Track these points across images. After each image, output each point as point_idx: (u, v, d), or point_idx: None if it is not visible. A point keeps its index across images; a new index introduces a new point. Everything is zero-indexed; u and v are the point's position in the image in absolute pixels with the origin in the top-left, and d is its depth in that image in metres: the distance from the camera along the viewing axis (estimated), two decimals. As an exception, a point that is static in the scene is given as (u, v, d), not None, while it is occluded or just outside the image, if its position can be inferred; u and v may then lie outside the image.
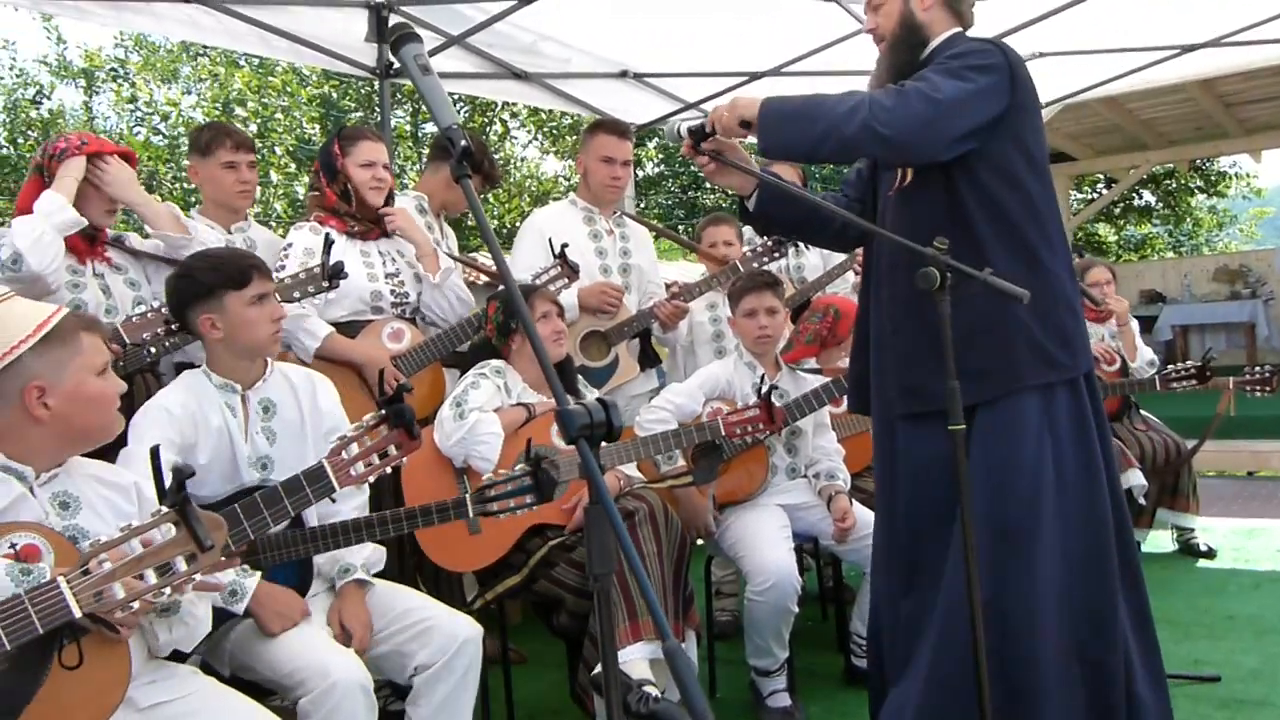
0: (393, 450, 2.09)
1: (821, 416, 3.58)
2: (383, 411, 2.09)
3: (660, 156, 18.34)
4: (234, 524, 2.06)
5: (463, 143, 1.80)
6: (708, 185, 18.43)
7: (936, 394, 2.21)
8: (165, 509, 1.65)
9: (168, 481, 1.67)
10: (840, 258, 4.37)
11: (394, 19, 4.50)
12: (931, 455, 2.40)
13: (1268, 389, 4.63)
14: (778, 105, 2.35)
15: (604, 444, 3.30)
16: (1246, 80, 10.56)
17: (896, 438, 2.55)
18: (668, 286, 4.06)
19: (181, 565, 1.66)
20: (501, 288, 3.71)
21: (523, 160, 18.53)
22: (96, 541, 1.69)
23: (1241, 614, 4.04)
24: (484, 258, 5.24)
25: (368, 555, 2.61)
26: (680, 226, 16.63)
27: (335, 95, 16.28)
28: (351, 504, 2.67)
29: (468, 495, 2.47)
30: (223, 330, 2.51)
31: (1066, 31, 5.25)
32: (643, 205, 18.72)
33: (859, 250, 4.24)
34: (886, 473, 2.60)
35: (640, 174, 18.61)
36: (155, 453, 1.74)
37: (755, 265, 3.92)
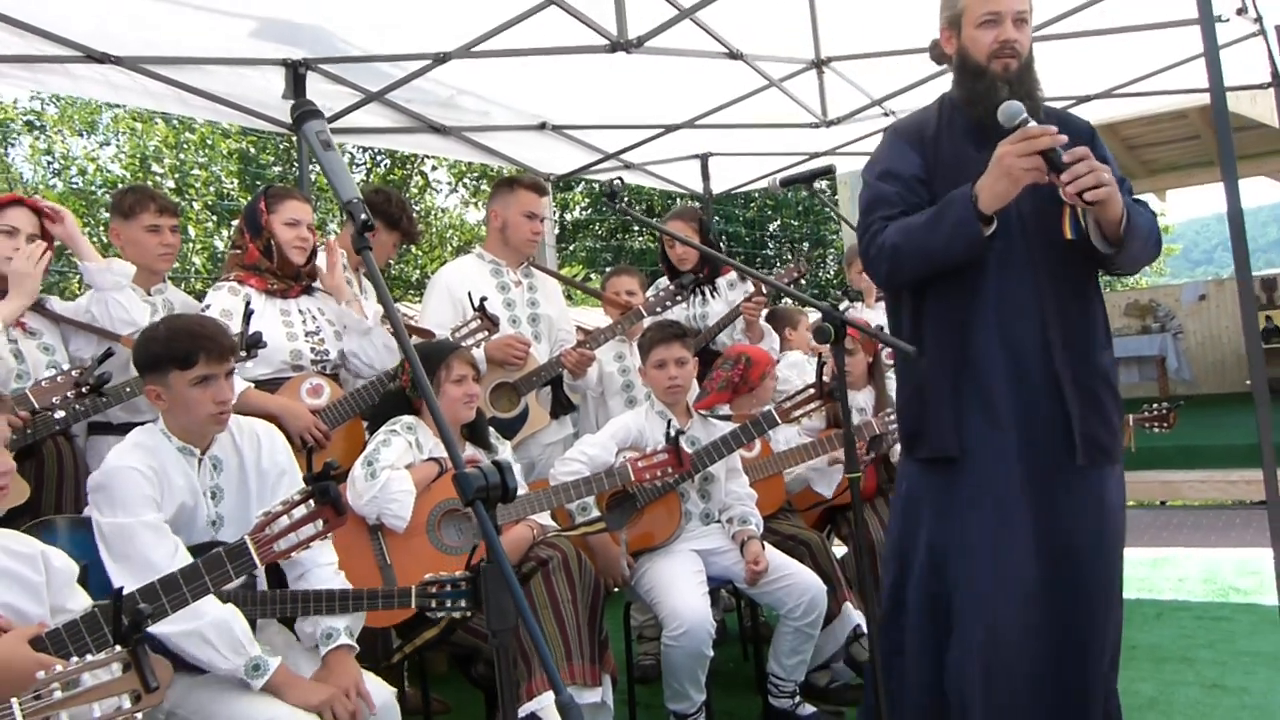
0: (318, 526, 2.13)
1: (734, 461, 3.69)
2: (309, 488, 2.12)
3: (585, 201, 18.55)
4: (152, 599, 2.08)
5: (362, 216, 1.87)
6: (634, 229, 18.63)
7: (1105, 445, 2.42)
8: (118, 649, 1.73)
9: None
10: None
11: (311, 78, 4.56)
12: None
13: (1165, 425, 4.83)
14: (1135, 220, 2.36)
15: (520, 493, 3.37)
16: (1149, 125, 11.07)
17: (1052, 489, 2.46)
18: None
19: (126, 702, 1.75)
20: (425, 340, 3.77)
21: (444, 211, 18.63)
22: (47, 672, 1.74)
23: (1142, 644, 4.20)
24: (406, 308, 5.29)
25: (349, 620, 2.61)
26: (608, 268, 16.79)
27: (254, 150, 16.24)
28: (326, 558, 2.69)
29: (413, 590, 2.55)
30: (167, 403, 2.52)
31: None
32: (570, 248, 18.89)
33: (754, 296, 4.41)
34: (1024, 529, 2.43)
35: (567, 218, 18.80)
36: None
37: (658, 310, 4.07)
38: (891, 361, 4.42)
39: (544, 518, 3.31)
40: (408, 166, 17.27)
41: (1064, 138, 2.22)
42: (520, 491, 3.30)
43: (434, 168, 17.75)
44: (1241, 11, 4.28)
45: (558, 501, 3.28)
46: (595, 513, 3.46)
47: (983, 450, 2.45)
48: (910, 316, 2.59)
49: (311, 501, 2.09)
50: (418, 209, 17.08)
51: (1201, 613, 4.63)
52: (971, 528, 2.44)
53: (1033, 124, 2.25)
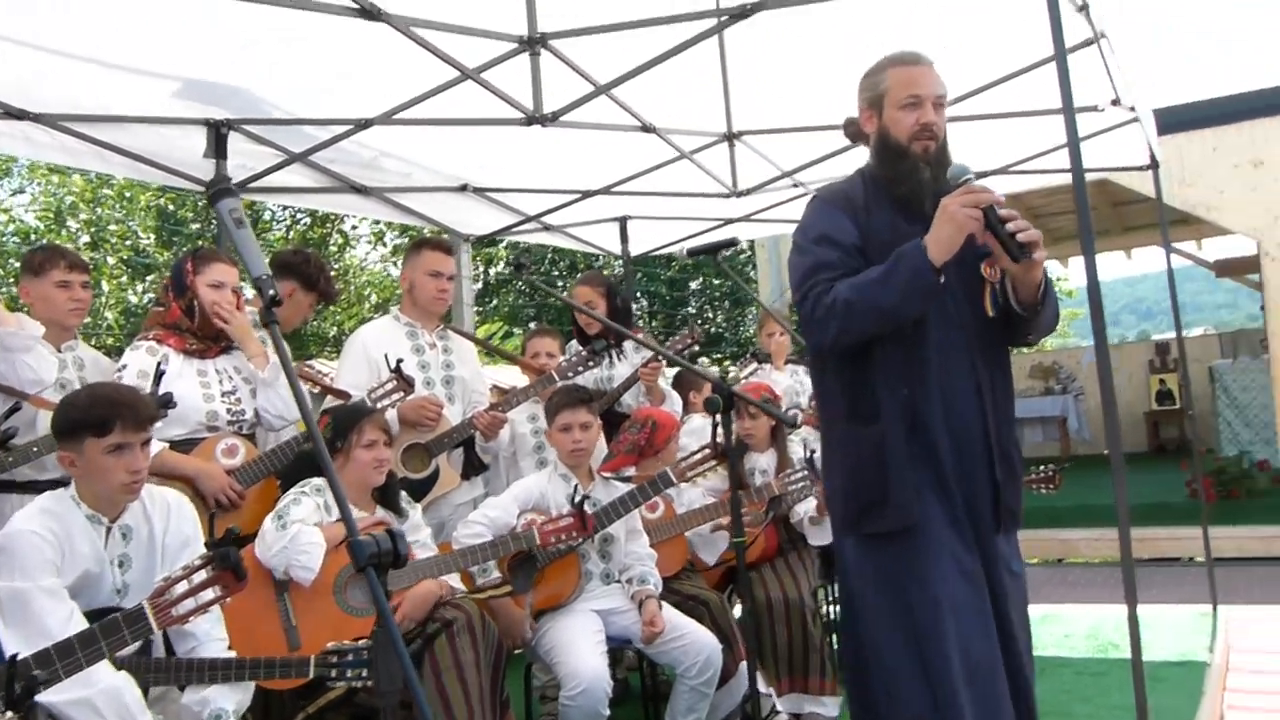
0: (218, 591, 2.18)
1: (634, 522, 3.81)
2: (209, 553, 2.18)
3: (509, 257, 18.70)
4: (46, 664, 2.11)
5: (270, 292, 1.95)
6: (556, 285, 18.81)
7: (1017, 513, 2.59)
8: (10, 715, 1.83)
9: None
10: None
11: (233, 138, 4.63)
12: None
13: (1052, 486, 5.08)
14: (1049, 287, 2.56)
15: (428, 555, 3.43)
16: (1049, 196, 11.58)
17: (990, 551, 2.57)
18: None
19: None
20: (337, 402, 3.84)
21: (363, 269, 18.62)
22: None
23: (1024, 699, 4.38)
24: (323, 365, 5.33)
25: (240, 699, 2.63)
26: (531, 324, 16.90)
27: (172, 207, 16.09)
28: (219, 633, 2.72)
29: (312, 660, 2.59)
30: (80, 470, 2.54)
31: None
32: (494, 303, 18.95)
33: (650, 361, 4.52)
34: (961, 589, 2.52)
35: (490, 273, 18.88)
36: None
37: (570, 375, 4.19)
38: (810, 428, 4.60)
39: (454, 579, 3.39)
40: (327, 225, 17.24)
41: (1001, 198, 2.40)
42: (428, 554, 3.38)
43: (354, 226, 17.76)
44: (1115, 102, 4.60)
45: (462, 564, 3.36)
46: (496, 573, 3.55)
47: (938, 518, 2.51)
48: (850, 384, 2.58)
49: (211, 567, 2.15)
50: (336, 267, 17.05)
51: (1082, 668, 4.86)
52: (957, 592, 2.49)
53: (976, 183, 2.43)
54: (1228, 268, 12.62)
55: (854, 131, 2.77)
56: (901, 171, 2.58)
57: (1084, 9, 3.42)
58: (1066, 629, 5.69)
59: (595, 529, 3.55)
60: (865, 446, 2.54)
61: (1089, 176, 6.96)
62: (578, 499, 3.45)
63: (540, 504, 3.66)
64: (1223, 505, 8.87)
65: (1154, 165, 5.73)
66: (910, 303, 2.43)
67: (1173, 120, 7.77)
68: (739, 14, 3.47)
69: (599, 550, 3.73)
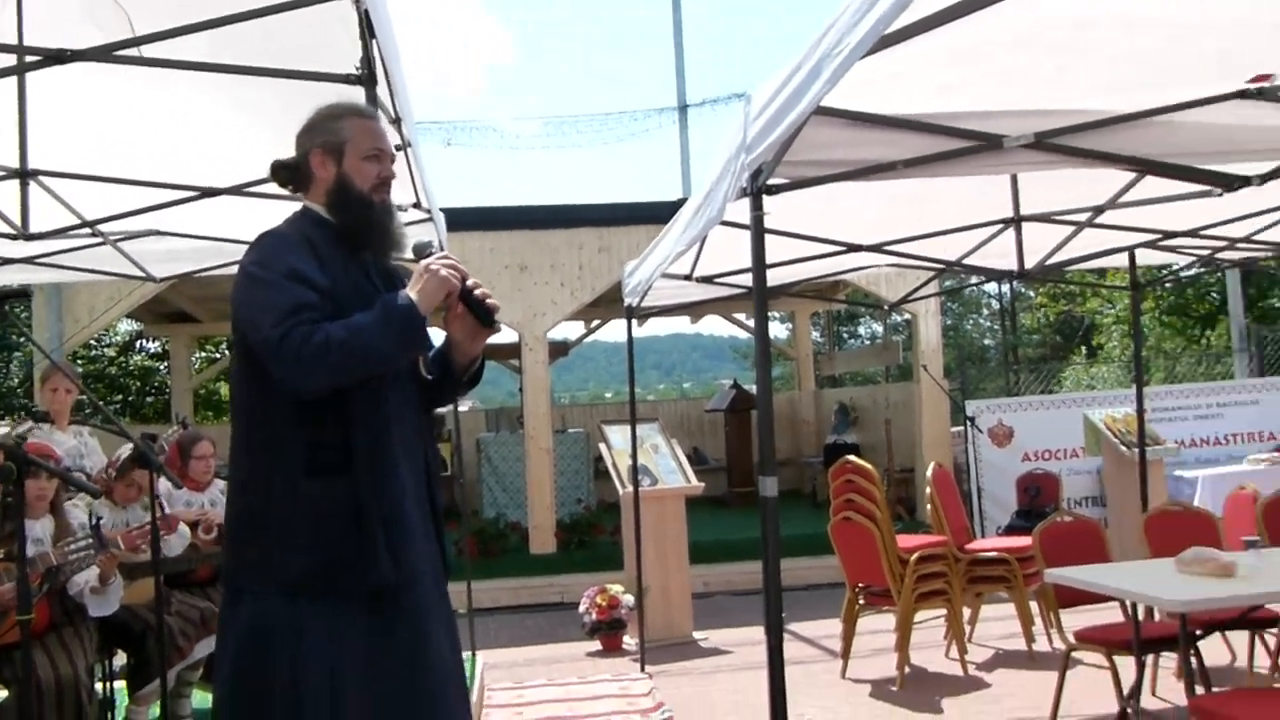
0: None
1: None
2: None
3: None
4: None
5: None
6: None
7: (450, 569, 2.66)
8: None
9: None
10: None
11: None
12: None
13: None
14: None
15: None
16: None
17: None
18: None
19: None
20: None
21: None
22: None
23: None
24: None
25: None
26: None
27: None
28: None
29: None
30: None
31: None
32: None
33: None
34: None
35: None
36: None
37: None
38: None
39: None
40: None
41: (463, 266, 2.56)
42: None
43: None
44: (416, 205, 5.17)
45: None
46: None
47: (412, 576, 2.50)
48: (312, 435, 2.45)
49: None
50: None
51: None
52: (418, 651, 2.48)
53: (442, 250, 2.59)
54: (495, 352, 14.48)
55: (288, 176, 2.68)
56: (367, 221, 2.59)
57: (397, 121, 3.86)
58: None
59: None
60: (330, 501, 2.42)
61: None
62: None
63: None
64: (484, 562, 10.06)
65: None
66: (405, 349, 2.46)
67: (459, 220, 8.83)
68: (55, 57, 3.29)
69: None
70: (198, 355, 18.12)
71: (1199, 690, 4.44)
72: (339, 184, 2.58)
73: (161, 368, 20.56)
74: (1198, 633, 4.62)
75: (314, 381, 2.34)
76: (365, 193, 2.58)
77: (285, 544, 2.40)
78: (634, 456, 7.31)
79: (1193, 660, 4.46)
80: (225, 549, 2.59)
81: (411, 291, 2.44)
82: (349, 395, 2.43)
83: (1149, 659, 4.97)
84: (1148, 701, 5.17)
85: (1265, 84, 3.33)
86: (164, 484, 4.91)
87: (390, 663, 2.44)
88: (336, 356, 2.31)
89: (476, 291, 2.52)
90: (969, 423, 10.33)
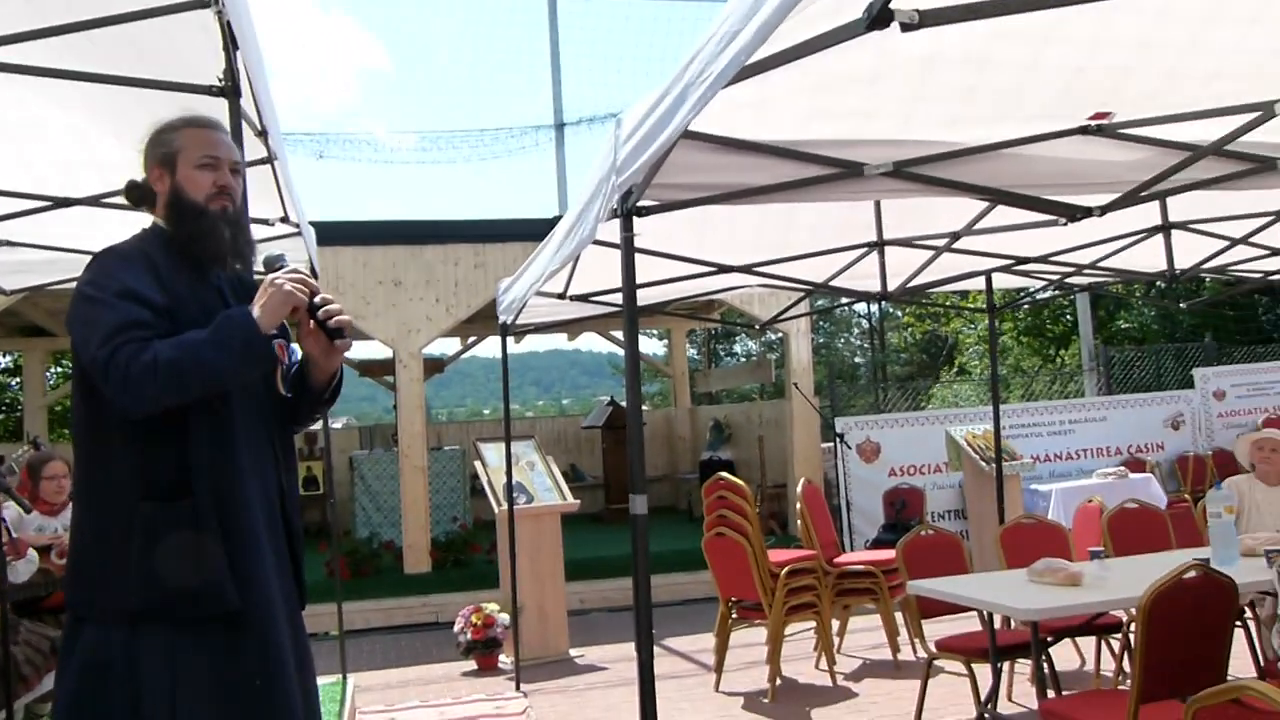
0: None
1: None
2: None
3: None
4: None
5: None
6: None
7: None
8: None
9: None
10: None
11: None
12: None
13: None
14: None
15: None
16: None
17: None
18: None
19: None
20: None
21: None
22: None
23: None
24: None
25: None
26: None
27: None
28: None
29: None
30: None
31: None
32: None
33: None
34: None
35: None
36: None
37: None
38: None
39: None
40: None
41: (318, 285, 2.50)
42: None
43: None
44: (284, 219, 5.06)
45: None
46: None
47: (260, 602, 2.40)
48: (151, 457, 2.36)
49: None
50: None
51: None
52: (268, 679, 2.38)
53: (291, 265, 2.51)
54: (369, 368, 14.22)
55: (139, 195, 2.61)
56: (201, 229, 2.50)
57: (263, 134, 3.78)
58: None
59: None
60: (167, 524, 2.33)
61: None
62: None
63: None
64: (356, 582, 9.83)
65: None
66: (247, 366, 2.38)
67: (332, 234, 8.67)
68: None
69: None
70: (53, 371, 17.25)
71: (1050, 694, 4.66)
72: (173, 195, 2.53)
73: (14, 384, 19.53)
74: (1049, 639, 4.85)
75: (144, 400, 2.26)
76: (198, 201, 2.51)
77: (122, 570, 2.31)
78: (509, 474, 7.28)
79: (1044, 666, 4.68)
80: (67, 574, 2.48)
81: (254, 307, 2.39)
82: (188, 413, 2.36)
83: (1004, 666, 5.19)
84: (1004, 706, 5.40)
85: (1104, 121, 3.56)
86: (11, 507, 4.69)
87: (237, 695, 2.35)
88: (166, 374, 2.24)
89: (325, 308, 2.48)
90: (838, 439, 10.61)
